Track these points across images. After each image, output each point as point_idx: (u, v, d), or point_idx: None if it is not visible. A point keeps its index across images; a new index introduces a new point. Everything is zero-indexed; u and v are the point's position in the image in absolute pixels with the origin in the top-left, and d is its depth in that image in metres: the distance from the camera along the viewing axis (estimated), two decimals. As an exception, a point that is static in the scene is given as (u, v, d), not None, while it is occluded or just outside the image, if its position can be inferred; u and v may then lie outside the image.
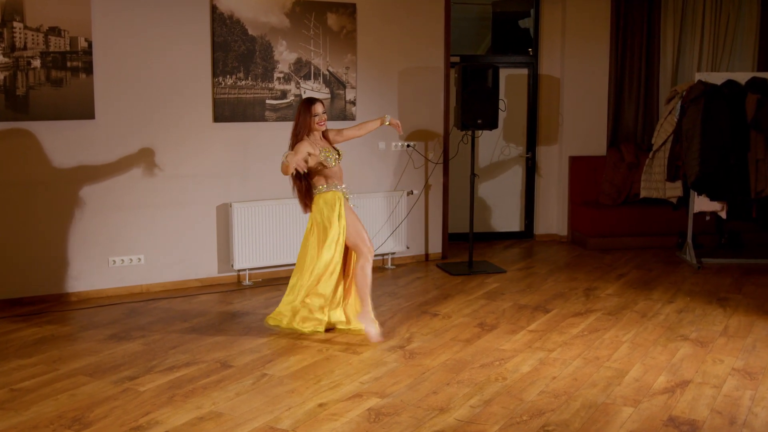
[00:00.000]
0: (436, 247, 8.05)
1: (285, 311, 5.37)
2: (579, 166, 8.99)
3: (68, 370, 4.67)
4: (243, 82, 6.80)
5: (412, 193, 7.75)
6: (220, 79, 6.70)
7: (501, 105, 7.70)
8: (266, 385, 4.44)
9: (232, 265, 6.83)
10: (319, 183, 5.25)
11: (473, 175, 7.52)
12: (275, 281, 6.93)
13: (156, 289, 6.63)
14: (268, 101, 6.94)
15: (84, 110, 6.18)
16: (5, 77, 5.88)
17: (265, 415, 3.99)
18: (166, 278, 6.67)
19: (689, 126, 7.38)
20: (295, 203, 5.50)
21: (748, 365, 4.79)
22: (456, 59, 8.33)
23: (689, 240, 7.87)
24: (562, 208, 9.15)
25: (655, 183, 7.93)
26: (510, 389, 4.38)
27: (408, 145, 7.71)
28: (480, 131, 7.76)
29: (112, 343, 5.20)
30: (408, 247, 7.76)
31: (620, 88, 9.00)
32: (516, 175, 9.20)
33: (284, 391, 4.35)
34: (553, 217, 9.21)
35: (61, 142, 6.14)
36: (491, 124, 7.31)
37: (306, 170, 5.09)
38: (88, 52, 6.16)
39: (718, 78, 7.57)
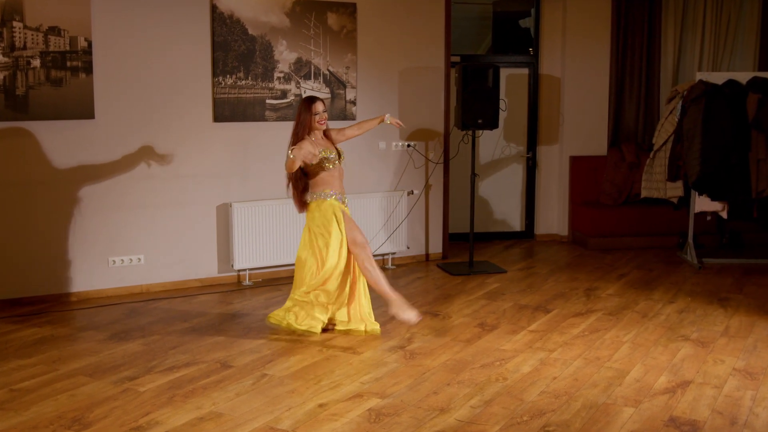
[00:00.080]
0: (436, 247, 8.04)
1: (287, 306, 5.37)
2: (580, 165, 8.98)
3: (68, 370, 4.67)
4: (243, 82, 6.80)
5: (412, 193, 7.74)
6: (220, 78, 6.69)
7: (501, 105, 7.70)
8: (266, 385, 4.43)
9: (232, 265, 6.83)
10: (316, 188, 5.25)
11: (474, 174, 7.51)
12: (275, 281, 6.92)
13: (156, 289, 6.63)
14: (268, 101, 6.93)
15: (84, 110, 6.17)
16: (5, 77, 5.87)
17: (265, 416, 3.98)
18: (166, 278, 6.67)
19: (690, 126, 7.37)
20: (295, 203, 5.50)
21: (749, 365, 4.78)
22: (456, 59, 8.32)
23: (690, 240, 7.86)
24: (563, 208, 9.14)
25: (656, 183, 7.92)
26: (510, 389, 4.37)
27: (408, 145, 7.71)
28: (480, 131, 7.76)
29: (112, 344, 5.19)
30: (408, 247, 7.75)
31: (621, 87, 8.99)
32: (516, 175, 9.19)
33: (284, 391, 4.34)
34: (554, 217, 9.21)
35: (61, 142, 6.14)
36: (492, 123, 7.30)
37: (313, 161, 5.07)
38: (88, 51, 6.15)
39: (719, 78, 7.57)
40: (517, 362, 4.83)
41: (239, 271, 6.95)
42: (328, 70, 7.20)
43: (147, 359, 4.87)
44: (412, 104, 7.69)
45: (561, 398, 4.24)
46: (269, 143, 6.91)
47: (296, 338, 5.28)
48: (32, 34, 5.92)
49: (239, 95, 6.79)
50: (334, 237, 5.21)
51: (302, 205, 5.36)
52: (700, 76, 7.67)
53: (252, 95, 6.85)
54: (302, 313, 5.32)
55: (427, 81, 7.76)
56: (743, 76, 7.55)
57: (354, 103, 7.35)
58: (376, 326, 5.40)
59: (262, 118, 6.92)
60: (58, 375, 4.58)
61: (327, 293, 5.28)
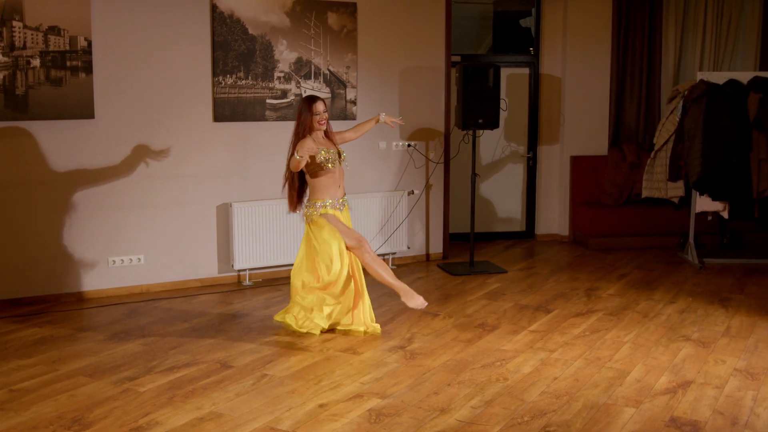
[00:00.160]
0: (437, 247, 8.03)
1: (296, 302, 5.37)
2: (580, 165, 8.97)
3: (68, 370, 4.66)
4: (243, 82, 6.79)
5: (413, 193, 7.73)
6: (220, 78, 6.69)
7: (502, 104, 7.69)
8: (266, 385, 4.42)
9: (233, 266, 6.82)
10: (314, 194, 5.26)
11: (474, 174, 7.50)
12: (276, 281, 6.91)
13: (156, 289, 6.62)
14: (268, 101, 6.92)
15: (83, 110, 6.17)
16: (4, 77, 5.86)
17: (265, 416, 3.98)
18: (166, 278, 6.66)
19: (691, 125, 7.36)
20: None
21: (750, 366, 4.77)
22: (457, 58, 8.31)
23: (691, 240, 7.85)
24: (564, 208, 9.13)
25: (657, 183, 7.91)
26: (511, 390, 4.36)
27: (409, 145, 7.70)
28: (481, 131, 7.75)
29: (111, 344, 5.18)
30: (409, 247, 7.74)
31: (622, 87, 8.98)
32: (517, 175, 9.18)
33: (284, 391, 4.34)
34: (555, 217, 9.20)
35: (61, 142, 6.13)
36: (492, 123, 7.29)
37: (317, 156, 5.07)
38: (88, 51, 6.14)
39: (720, 77, 7.56)
40: (518, 362, 4.82)
41: (239, 271, 6.94)
42: (329, 70, 7.19)
43: (147, 359, 4.86)
44: (412, 104, 7.68)
45: (562, 398, 4.23)
46: (269, 143, 6.91)
47: (296, 339, 5.27)
48: (32, 34, 5.91)
49: (239, 95, 6.79)
50: (334, 246, 5.21)
51: (295, 204, 5.37)
52: (701, 75, 7.66)
53: (252, 95, 6.84)
54: (301, 315, 5.31)
55: (427, 81, 7.75)
56: (744, 76, 7.54)
57: (354, 102, 7.34)
58: (377, 327, 5.39)
59: (263, 118, 6.92)
60: (57, 375, 4.57)
61: (333, 296, 5.28)
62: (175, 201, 6.62)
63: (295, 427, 3.84)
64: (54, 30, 6.00)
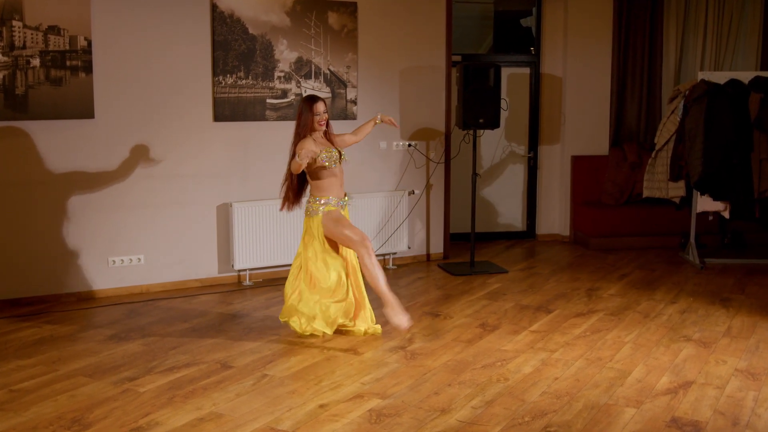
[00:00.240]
0: (437, 247, 8.02)
1: (297, 310, 5.32)
2: (581, 165, 8.96)
3: (68, 370, 4.65)
4: (243, 81, 6.78)
5: (413, 193, 7.72)
6: (221, 78, 6.68)
7: (503, 104, 7.68)
8: (267, 385, 4.41)
9: (233, 266, 6.81)
10: (315, 193, 5.24)
11: (475, 174, 7.49)
12: (276, 281, 6.90)
13: (156, 289, 6.61)
14: (268, 100, 6.92)
15: (83, 109, 6.16)
16: (4, 76, 5.85)
17: (265, 416, 3.97)
18: (166, 278, 6.65)
19: (692, 125, 7.35)
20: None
21: (752, 366, 4.76)
22: (457, 58, 8.30)
23: (692, 240, 7.85)
24: (565, 207, 9.12)
25: (658, 183, 7.90)
26: (512, 390, 4.35)
27: (409, 145, 7.69)
28: (482, 130, 7.74)
29: (111, 344, 5.17)
30: (409, 247, 7.74)
31: (623, 87, 8.97)
32: (518, 175, 9.18)
33: (285, 391, 4.33)
34: (556, 217, 9.19)
35: (61, 142, 6.12)
36: (493, 123, 7.28)
37: (316, 159, 5.06)
38: (88, 51, 6.13)
39: (721, 77, 7.55)
40: (519, 363, 4.81)
41: (239, 271, 6.94)
42: (329, 70, 7.19)
43: (147, 360, 4.85)
44: (413, 104, 7.67)
45: (562, 399, 4.22)
46: (270, 143, 6.90)
47: (297, 339, 5.26)
48: (32, 34, 5.91)
49: (239, 95, 6.78)
50: (329, 254, 5.21)
51: (291, 203, 5.34)
52: (702, 75, 7.65)
53: (252, 95, 6.84)
54: (304, 321, 5.28)
55: (428, 80, 7.74)
56: (745, 76, 7.53)
57: (355, 102, 7.34)
58: (377, 327, 5.38)
59: (263, 118, 6.91)
60: (57, 375, 4.57)
61: (333, 301, 5.24)
62: (175, 201, 6.61)
63: (295, 428, 3.83)
64: (54, 30, 5.99)
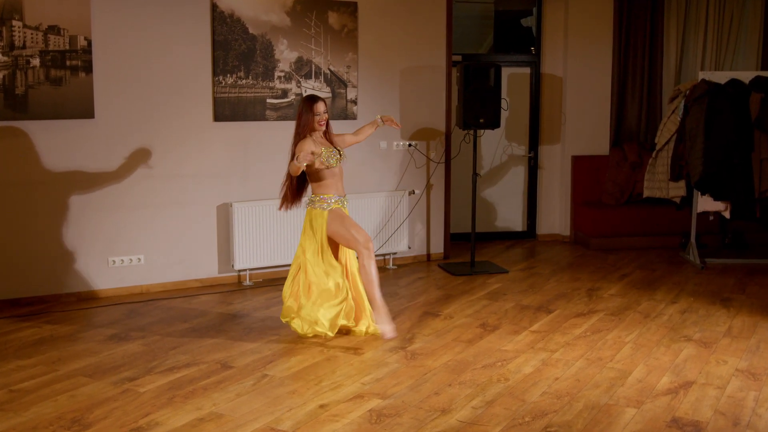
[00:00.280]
0: (437, 247, 8.02)
1: (294, 310, 5.31)
2: (582, 165, 8.95)
3: (68, 370, 4.65)
4: (243, 81, 6.77)
5: (413, 193, 7.72)
6: (221, 78, 6.67)
7: (503, 104, 7.67)
8: (267, 386, 4.41)
9: (233, 266, 6.81)
10: (317, 191, 5.21)
11: (475, 174, 7.48)
12: (276, 281, 6.90)
13: (156, 289, 6.61)
14: (268, 100, 6.91)
15: (83, 109, 6.15)
16: (4, 76, 5.85)
17: (265, 416, 3.96)
18: (166, 278, 6.65)
19: (693, 125, 7.34)
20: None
21: (752, 366, 4.75)
22: (458, 58, 8.30)
23: (692, 240, 7.84)
24: (565, 207, 9.11)
25: (659, 183, 7.90)
26: (512, 390, 4.35)
27: (410, 145, 7.69)
28: (482, 130, 7.74)
29: (111, 344, 5.17)
30: (410, 247, 7.73)
31: (623, 87, 8.97)
32: (518, 175, 9.17)
33: (285, 392, 4.32)
34: (556, 217, 9.18)
35: (61, 142, 6.12)
36: (493, 123, 7.28)
37: (316, 163, 5.04)
38: (88, 50, 6.13)
39: (721, 77, 7.54)
40: (519, 363, 4.80)
41: (240, 271, 6.93)
42: (329, 70, 7.18)
43: (147, 360, 4.85)
44: (413, 104, 7.67)
45: (563, 399, 4.22)
46: (270, 143, 6.89)
47: (297, 339, 5.26)
48: (32, 33, 5.90)
49: (240, 94, 6.77)
50: (329, 261, 5.19)
51: (289, 203, 5.33)
52: (702, 75, 7.65)
53: (252, 94, 6.83)
54: (306, 325, 5.26)
55: (428, 80, 7.74)
56: (746, 76, 7.52)
57: (355, 102, 7.33)
58: (378, 327, 5.37)
59: (263, 118, 6.90)
60: (57, 375, 4.56)
61: (332, 304, 5.22)
62: (175, 201, 6.61)
63: (295, 428, 3.83)
64: (54, 29, 5.98)
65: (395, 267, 7.62)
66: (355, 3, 7.23)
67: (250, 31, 6.76)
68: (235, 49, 6.70)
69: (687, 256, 7.92)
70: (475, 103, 7.19)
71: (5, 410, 4.05)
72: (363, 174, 7.34)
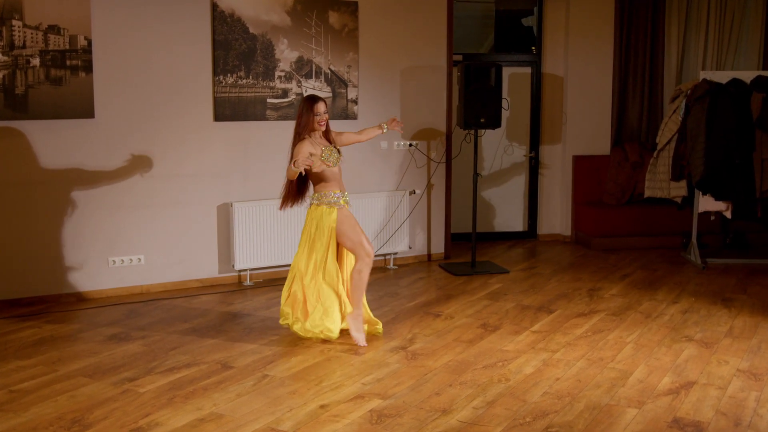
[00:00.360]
0: (438, 247, 8.01)
1: (291, 313, 5.29)
2: (583, 165, 8.94)
3: (68, 371, 4.64)
4: (244, 81, 6.77)
5: (414, 193, 7.71)
6: (221, 77, 6.66)
7: (504, 104, 7.67)
8: (267, 386, 4.40)
9: (233, 266, 6.80)
10: (319, 188, 5.18)
11: (476, 174, 7.47)
12: (277, 281, 6.89)
13: (156, 289, 6.60)
14: (269, 100, 6.90)
15: (83, 109, 6.15)
16: (4, 76, 5.84)
17: (266, 417, 3.95)
18: (167, 278, 6.64)
19: (694, 125, 7.33)
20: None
21: (754, 366, 4.74)
22: (459, 58, 8.29)
23: (694, 240, 7.83)
24: (566, 207, 9.10)
25: (660, 182, 7.89)
26: (513, 390, 4.34)
27: (410, 145, 7.68)
28: (483, 130, 7.73)
29: (111, 344, 5.16)
30: (410, 247, 7.72)
31: (624, 86, 8.96)
32: (519, 175, 9.16)
33: (285, 392, 4.31)
34: (557, 216, 9.17)
35: (61, 142, 6.11)
36: (494, 123, 7.27)
37: (314, 167, 5.02)
38: (88, 50, 6.12)
39: (723, 77, 7.53)
40: (520, 363, 4.80)
41: (240, 271, 6.92)
42: (330, 69, 7.17)
43: (147, 360, 4.84)
44: (414, 103, 7.66)
45: (564, 399, 4.21)
46: (270, 142, 6.88)
47: (297, 339, 5.25)
48: (32, 33, 5.89)
49: (240, 94, 6.76)
50: (320, 252, 5.16)
51: (291, 202, 5.31)
52: (703, 75, 7.64)
53: (253, 94, 6.82)
54: (309, 333, 5.25)
55: (429, 80, 7.73)
56: (747, 75, 7.52)
57: (355, 102, 7.32)
58: (379, 326, 5.36)
59: (263, 118, 6.90)
60: (57, 376, 4.55)
61: (329, 314, 5.21)
62: (176, 201, 6.60)
63: (296, 428, 3.82)
64: (54, 29, 5.98)
65: (396, 267, 7.62)
66: (356, 2, 7.23)
67: (251, 30, 6.76)
68: (235, 49, 6.70)
69: (688, 256, 7.91)
70: (475, 103, 7.18)
71: (5, 411, 4.04)
72: (364, 174, 7.33)
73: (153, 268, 6.58)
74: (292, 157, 5.07)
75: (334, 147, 5.24)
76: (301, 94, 6.99)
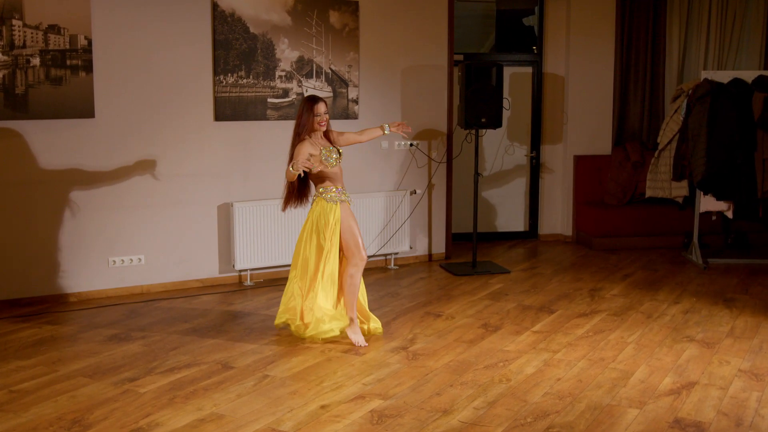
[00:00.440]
0: (439, 247, 8.00)
1: (291, 314, 5.29)
2: (584, 165, 8.93)
3: (68, 371, 4.63)
4: (244, 81, 6.76)
5: (415, 193, 7.70)
6: (221, 77, 6.66)
7: (505, 103, 7.66)
8: (268, 386, 4.39)
9: (234, 266, 6.79)
10: (320, 185, 5.17)
11: (477, 174, 7.46)
12: (277, 281, 6.88)
13: (156, 289, 6.59)
14: (269, 100, 6.90)
15: (84, 109, 6.14)
16: (4, 76, 5.84)
17: (266, 417, 3.95)
18: (167, 279, 6.63)
19: (695, 125, 7.32)
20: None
21: (755, 366, 4.73)
22: (459, 57, 8.28)
23: (695, 240, 7.82)
24: (567, 207, 9.09)
25: (661, 182, 7.88)
26: (514, 391, 4.33)
27: (411, 144, 7.67)
28: (484, 130, 7.72)
29: (112, 344, 5.15)
30: (411, 247, 7.71)
31: (625, 86, 8.95)
32: (520, 175, 9.15)
33: (286, 392, 4.31)
34: (558, 216, 9.16)
35: (61, 142, 6.10)
36: (495, 122, 7.26)
37: (313, 168, 5.01)
38: (88, 50, 6.11)
39: (724, 76, 7.52)
40: (521, 363, 4.79)
41: (240, 271, 6.91)
42: (330, 69, 7.16)
43: (147, 360, 4.83)
44: (414, 103, 7.65)
45: (565, 399, 4.20)
46: (271, 142, 6.88)
47: (298, 339, 5.24)
48: (32, 33, 5.89)
49: (240, 94, 6.76)
50: (326, 244, 5.14)
51: (294, 202, 5.30)
52: (705, 74, 7.63)
53: (253, 94, 6.81)
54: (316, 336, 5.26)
55: (430, 79, 7.72)
56: (749, 75, 7.51)
57: (356, 101, 7.31)
58: (378, 325, 5.35)
59: (264, 117, 6.89)
60: (57, 376, 4.55)
61: (325, 311, 5.20)
62: (176, 201, 6.59)
63: (296, 429, 3.81)
64: (54, 29, 5.97)
65: (397, 267, 7.61)
66: (357, 2, 7.22)
67: (251, 30, 6.75)
68: (235, 49, 6.69)
69: (689, 256, 7.90)
70: (476, 103, 7.18)
71: (5, 411, 4.03)
72: (364, 174, 7.33)
73: (153, 268, 6.57)
74: (291, 158, 5.06)
75: (334, 147, 5.22)
76: (302, 93, 6.98)
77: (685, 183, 7.67)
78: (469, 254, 7.81)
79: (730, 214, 7.87)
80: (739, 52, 9.01)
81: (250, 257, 6.81)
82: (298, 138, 5.13)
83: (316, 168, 5.03)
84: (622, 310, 6.03)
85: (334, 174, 5.17)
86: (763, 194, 7.23)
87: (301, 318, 5.21)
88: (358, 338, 5.14)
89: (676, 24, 8.95)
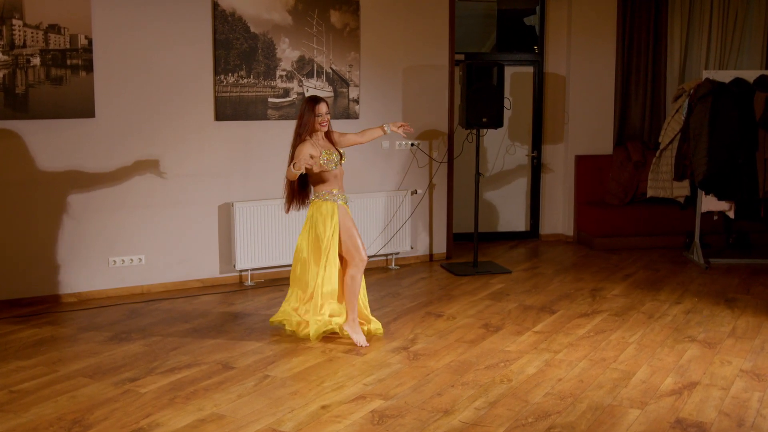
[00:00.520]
0: (440, 247, 7.99)
1: (290, 314, 5.29)
2: (585, 165, 8.92)
3: (68, 371, 4.63)
4: (245, 80, 6.75)
5: (416, 193, 7.69)
6: (222, 77, 6.65)
7: (506, 103, 7.65)
8: (268, 386, 4.38)
9: (234, 266, 6.78)
10: (319, 188, 5.15)
11: (478, 174, 7.45)
12: (278, 282, 6.88)
13: (157, 289, 6.58)
14: (270, 99, 6.89)
15: (84, 109, 6.13)
16: (4, 75, 5.83)
17: (267, 417, 3.94)
18: (167, 279, 6.62)
19: (697, 124, 7.31)
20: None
21: (757, 367, 4.72)
22: (461, 57, 8.28)
23: (697, 240, 7.80)
24: (568, 207, 9.08)
25: (662, 182, 7.87)
26: (515, 391, 4.32)
27: (412, 144, 7.66)
28: (485, 130, 7.71)
29: (112, 345, 5.15)
30: (412, 248, 7.70)
31: (627, 86, 8.93)
32: (521, 175, 9.14)
33: (287, 392, 4.30)
34: (559, 216, 9.15)
35: (61, 141, 6.10)
36: (496, 122, 7.26)
37: (314, 168, 5.00)
38: (88, 49, 6.11)
39: (726, 76, 7.51)
40: (522, 363, 4.78)
41: (241, 271, 6.91)
42: (331, 69, 7.15)
43: (148, 360, 4.82)
44: (415, 103, 7.64)
45: (566, 400, 4.19)
46: (271, 142, 6.87)
47: (299, 340, 5.23)
48: (32, 32, 5.88)
49: (241, 94, 6.75)
50: (324, 244, 5.12)
51: (297, 203, 5.28)
52: (706, 74, 7.62)
53: (254, 94, 6.81)
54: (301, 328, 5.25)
55: (431, 79, 7.71)
56: (750, 75, 7.50)
57: (357, 101, 7.31)
58: (379, 326, 5.34)
59: (264, 117, 6.88)
60: (58, 376, 4.54)
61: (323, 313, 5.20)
62: (176, 200, 6.59)
63: (297, 429, 3.80)
64: (54, 28, 5.96)
65: (398, 267, 7.60)
66: (357, 1, 7.21)
67: (252, 29, 6.74)
68: (236, 48, 6.68)
69: (691, 256, 7.89)
70: (478, 103, 7.17)
71: (5, 411, 4.03)
72: (365, 173, 7.32)
73: (154, 269, 6.56)
74: (291, 159, 5.05)
75: (336, 150, 5.20)
76: (303, 93, 6.98)
77: (686, 183, 7.66)
78: (470, 254, 7.81)
79: (731, 214, 7.87)
80: (741, 51, 8.99)
81: (250, 257, 6.81)
82: (298, 138, 5.12)
83: (317, 168, 5.02)
84: (624, 310, 6.02)
85: (334, 176, 5.16)
86: (765, 194, 7.21)
87: (298, 324, 5.23)
88: (359, 338, 5.14)
89: (677, 23, 8.94)
